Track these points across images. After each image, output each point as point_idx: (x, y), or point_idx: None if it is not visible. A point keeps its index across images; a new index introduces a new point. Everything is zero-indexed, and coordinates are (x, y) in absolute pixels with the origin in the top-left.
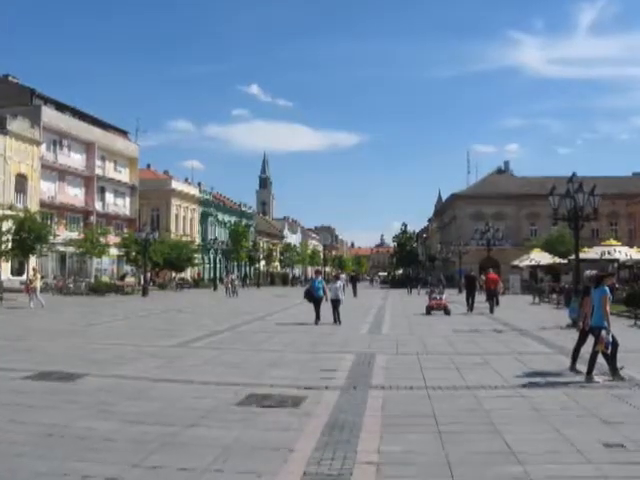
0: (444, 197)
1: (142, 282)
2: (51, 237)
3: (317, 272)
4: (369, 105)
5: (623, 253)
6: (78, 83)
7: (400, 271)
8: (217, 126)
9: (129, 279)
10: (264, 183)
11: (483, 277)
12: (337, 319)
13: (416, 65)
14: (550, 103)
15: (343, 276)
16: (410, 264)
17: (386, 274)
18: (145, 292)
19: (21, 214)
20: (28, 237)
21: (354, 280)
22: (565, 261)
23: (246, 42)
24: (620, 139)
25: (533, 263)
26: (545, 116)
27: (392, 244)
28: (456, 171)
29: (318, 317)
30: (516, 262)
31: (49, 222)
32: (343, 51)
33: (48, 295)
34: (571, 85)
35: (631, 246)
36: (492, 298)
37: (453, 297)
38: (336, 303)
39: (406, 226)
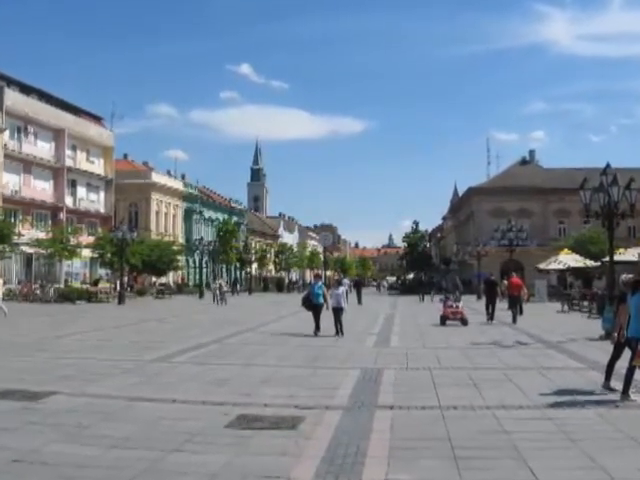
0: (460, 191)
1: (118, 288)
2: (15, 237)
3: (317, 276)
4: (374, 88)
5: None
6: (45, 63)
7: (411, 275)
8: (203, 111)
9: (103, 284)
10: (257, 175)
11: (505, 282)
12: (339, 330)
13: (427, 43)
14: (580, 85)
15: (346, 281)
16: (422, 267)
17: (395, 278)
18: (122, 299)
19: None
20: None
21: (358, 286)
22: (598, 264)
23: (236, 17)
24: None
25: (561, 266)
26: (575, 100)
27: (402, 244)
28: (474, 162)
29: (318, 327)
30: (542, 265)
31: (12, 220)
32: (344, 28)
33: (12, 303)
34: (604, 64)
35: None
36: (515, 306)
37: (472, 305)
38: (338, 312)
39: (417, 224)
